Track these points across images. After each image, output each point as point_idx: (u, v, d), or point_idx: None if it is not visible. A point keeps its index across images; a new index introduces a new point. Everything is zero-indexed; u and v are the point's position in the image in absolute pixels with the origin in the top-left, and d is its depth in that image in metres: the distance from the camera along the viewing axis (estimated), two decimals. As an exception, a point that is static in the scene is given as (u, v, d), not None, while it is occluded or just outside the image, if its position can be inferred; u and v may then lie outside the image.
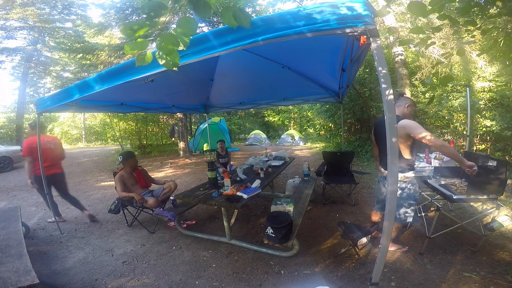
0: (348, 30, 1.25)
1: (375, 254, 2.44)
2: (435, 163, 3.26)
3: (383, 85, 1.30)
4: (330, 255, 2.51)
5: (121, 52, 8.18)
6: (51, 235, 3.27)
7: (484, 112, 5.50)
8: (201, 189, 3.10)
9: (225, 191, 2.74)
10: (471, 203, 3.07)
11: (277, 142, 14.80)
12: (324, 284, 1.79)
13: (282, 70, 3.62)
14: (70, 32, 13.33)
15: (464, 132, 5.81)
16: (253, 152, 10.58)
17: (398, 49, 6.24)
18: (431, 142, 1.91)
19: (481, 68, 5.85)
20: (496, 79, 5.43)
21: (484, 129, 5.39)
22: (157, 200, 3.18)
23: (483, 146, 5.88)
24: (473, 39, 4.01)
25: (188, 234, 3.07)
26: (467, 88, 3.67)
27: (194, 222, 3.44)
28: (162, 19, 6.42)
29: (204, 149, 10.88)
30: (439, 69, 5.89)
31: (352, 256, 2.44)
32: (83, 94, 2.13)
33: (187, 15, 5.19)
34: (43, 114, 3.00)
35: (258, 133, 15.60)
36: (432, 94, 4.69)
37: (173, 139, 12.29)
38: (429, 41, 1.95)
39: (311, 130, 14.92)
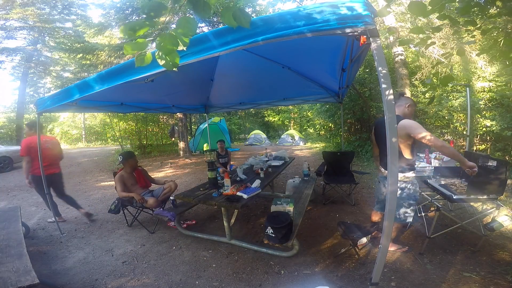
0: (348, 30, 1.25)
1: (375, 254, 2.44)
2: (435, 163, 3.26)
3: (383, 85, 1.30)
4: (330, 255, 2.51)
5: (121, 52, 8.18)
6: (51, 235, 3.28)
7: (484, 112, 5.50)
8: (201, 189, 3.10)
9: (225, 191, 2.74)
10: (471, 203, 3.07)
11: (277, 142, 14.79)
12: (324, 284, 1.79)
13: (282, 70, 3.61)
14: (70, 32, 13.35)
15: (464, 132, 5.81)
16: (253, 152, 10.58)
17: (398, 49, 6.24)
18: (431, 142, 1.91)
19: (481, 68, 5.84)
20: (496, 79, 5.43)
21: (484, 129, 5.39)
22: (157, 200, 3.18)
23: (483, 146, 5.88)
24: (473, 39, 4.01)
25: (188, 234, 3.07)
26: (467, 88, 3.67)
27: (194, 222, 3.45)
28: (162, 19, 6.42)
29: (204, 149, 10.87)
30: (439, 69, 5.88)
31: (352, 256, 2.44)
32: (83, 94, 2.14)
33: (187, 15, 5.20)
34: (43, 114, 3.00)
35: (258, 133, 15.60)
36: (432, 94, 4.70)
37: (173, 139, 12.29)
38: (429, 41, 1.95)
39: (311, 130, 14.92)
